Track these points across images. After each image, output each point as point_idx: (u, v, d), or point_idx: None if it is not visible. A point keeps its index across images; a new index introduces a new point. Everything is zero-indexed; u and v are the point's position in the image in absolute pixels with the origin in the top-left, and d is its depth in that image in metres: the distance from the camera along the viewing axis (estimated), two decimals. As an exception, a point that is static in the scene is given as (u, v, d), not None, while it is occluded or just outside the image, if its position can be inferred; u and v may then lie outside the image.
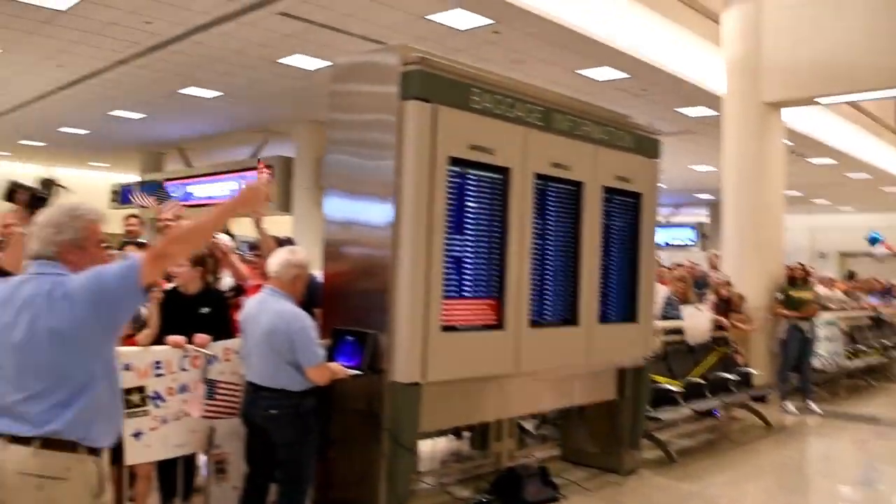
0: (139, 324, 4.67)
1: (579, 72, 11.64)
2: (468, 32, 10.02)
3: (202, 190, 18.50)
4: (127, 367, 4.26)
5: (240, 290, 5.22)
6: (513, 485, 5.40)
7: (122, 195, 21.85)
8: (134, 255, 2.70)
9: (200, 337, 4.54)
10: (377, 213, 4.53)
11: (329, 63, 11.41)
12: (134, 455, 4.36)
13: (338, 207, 4.85)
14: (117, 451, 4.26)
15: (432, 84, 4.50)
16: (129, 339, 4.50)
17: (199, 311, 4.77)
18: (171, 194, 7.48)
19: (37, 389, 2.49)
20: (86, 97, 14.76)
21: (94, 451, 2.57)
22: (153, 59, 11.97)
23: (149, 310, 4.61)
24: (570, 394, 5.75)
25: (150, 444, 4.41)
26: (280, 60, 11.74)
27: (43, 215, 2.71)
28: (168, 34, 10.76)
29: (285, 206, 16.38)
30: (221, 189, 17.80)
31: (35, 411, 2.48)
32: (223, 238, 6.22)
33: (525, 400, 5.42)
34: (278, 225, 15.49)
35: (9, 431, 2.48)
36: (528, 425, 6.89)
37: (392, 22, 9.75)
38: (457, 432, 6.46)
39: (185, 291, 4.79)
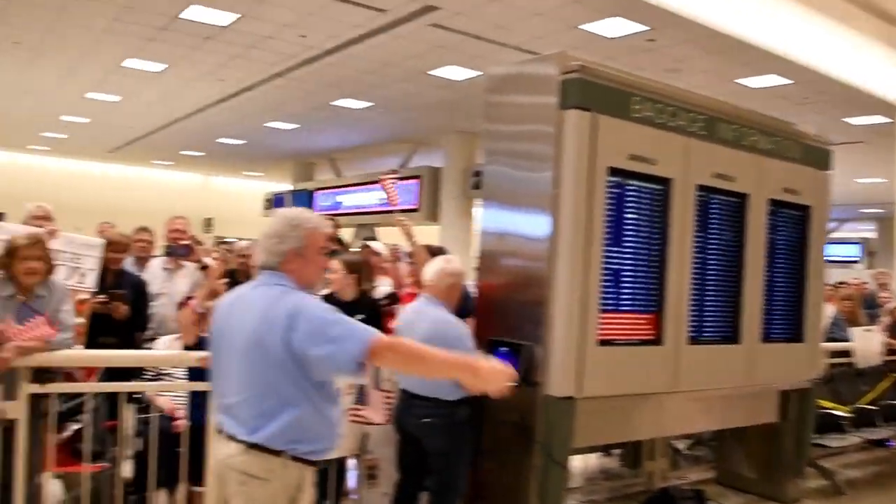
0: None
1: (738, 81, 11.23)
2: (622, 41, 9.84)
3: (351, 199, 18.94)
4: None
5: (394, 299, 5.25)
6: (666, 506, 5.21)
7: (274, 203, 22.67)
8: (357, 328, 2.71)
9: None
10: (534, 224, 4.45)
11: (479, 73, 11.50)
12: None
13: (494, 218, 4.80)
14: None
15: (592, 92, 4.40)
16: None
17: (355, 318, 4.82)
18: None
19: (248, 395, 2.65)
20: (243, 109, 15.41)
21: (300, 460, 2.66)
22: (307, 72, 12.37)
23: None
24: (728, 415, 5.48)
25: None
26: (431, 72, 11.88)
27: (267, 226, 2.80)
28: (322, 47, 11.08)
29: (433, 216, 16.55)
30: (370, 198, 18.15)
31: (245, 416, 2.65)
32: (377, 245, 6.32)
33: (682, 419, 5.20)
34: (426, 235, 15.70)
35: (227, 430, 2.69)
36: (681, 445, 6.65)
37: (544, 32, 9.68)
38: (606, 449, 6.30)
39: (340, 298, 4.86)
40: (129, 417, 4.68)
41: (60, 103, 16.14)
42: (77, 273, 4.99)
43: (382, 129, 16.52)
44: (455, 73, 11.88)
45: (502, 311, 4.71)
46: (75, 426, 4.63)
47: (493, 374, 2.65)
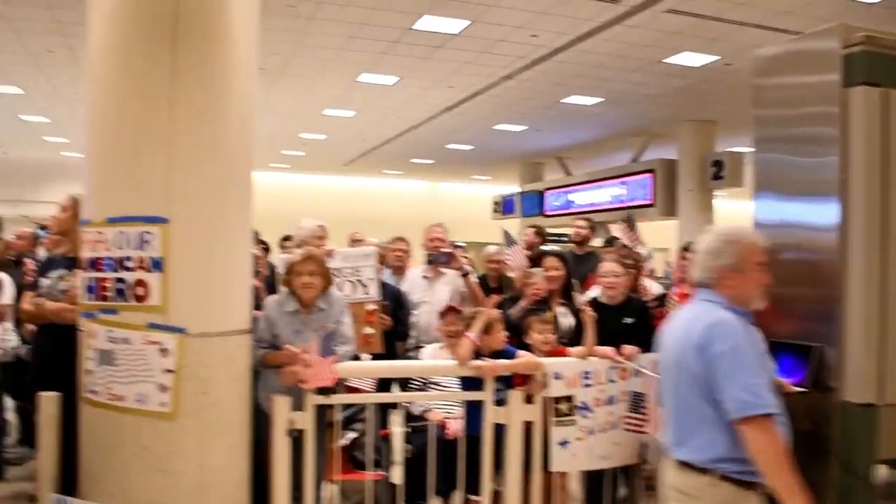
0: (568, 336, 4.68)
1: None
2: (880, 5, 8.98)
3: (583, 198, 18.69)
4: (557, 377, 4.28)
5: (663, 301, 5.03)
6: None
7: (503, 206, 22.83)
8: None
9: (628, 348, 4.43)
10: (820, 213, 4.06)
11: (717, 58, 10.95)
12: (559, 463, 4.36)
13: (769, 209, 4.44)
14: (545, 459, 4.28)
15: (881, 66, 3.95)
16: (558, 351, 4.51)
17: (623, 322, 4.66)
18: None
19: (674, 412, 2.76)
20: (472, 114, 15.60)
21: (731, 480, 2.64)
22: (537, 72, 12.31)
23: (584, 324, 4.55)
24: None
25: (576, 453, 4.38)
26: (665, 60, 11.44)
27: (702, 242, 2.84)
28: (553, 45, 10.96)
29: (670, 211, 15.97)
30: (602, 195, 17.84)
31: (674, 432, 2.77)
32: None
33: None
34: (662, 230, 15.22)
35: (665, 445, 2.88)
36: None
37: (790, 5, 9.01)
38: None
39: (608, 302, 4.70)
40: (397, 425, 4.77)
41: (300, 121, 17.10)
42: (360, 286, 5.13)
43: (612, 123, 16.16)
44: (691, 59, 11.36)
45: (783, 310, 4.35)
46: (351, 435, 4.78)
47: None
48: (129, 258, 3.51)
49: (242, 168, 3.83)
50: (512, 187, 23.85)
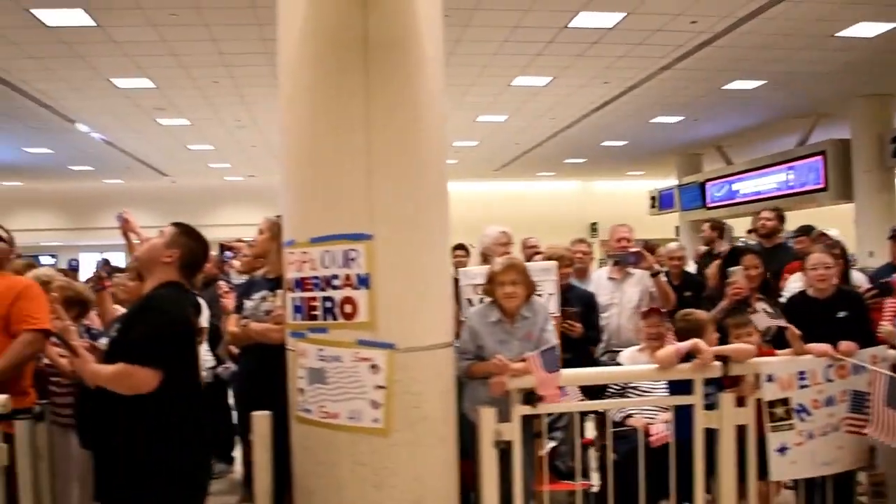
0: (771, 335, 4.44)
1: None
2: None
3: (747, 186, 17.91)
4: (770, 379, 4.05)
5: (885, 289, 4.68)
6: None
7: (660, 201, 22.24)
8: None
9: (846, 344, 4.12)
10: None
11: (893, 25, 10.23)
12: (779, 471, 4.12)
13: None
14: (763, 467, 4.06)
15: None
16: (766, 352, 4.28)
17: (836, 316, 4.36)
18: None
19: None
20: (627, 109, 15.24)
21: None
22: (696, 60, 11.85)
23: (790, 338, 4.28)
24: None
25: (796, 460, 4.13)
26: (838, 34, 10.76)
27: None
28: (713, 30, 10.51)
29: (845, 194, 15.03)
30: (768, 182, 17.05)
31: None
32: (832, 232, 5.77)
33: None
34: (837, 214, 14.37)
35: None
36: None
37: None
38: None
39: (817, 296, 4.42)
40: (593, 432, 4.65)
41: (453, 130, 17.14)
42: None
43: (776, 106, 15.37)
44: (865, 29, 10.61)
45: None
46: (552, 443, 4.68)
47: None
48: (335, 276, 3.55)
49: (438, 181, 3.83)
50: (667, 181, 23.21)
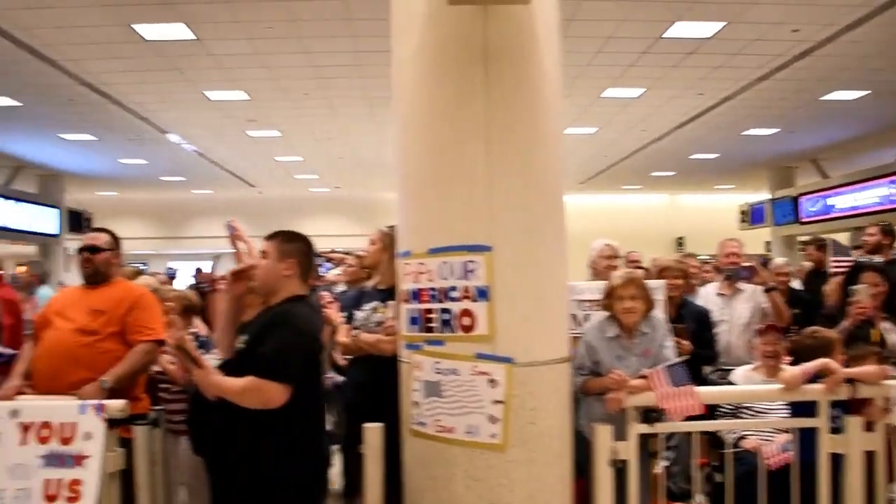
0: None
1: None
2: None
3: (844, 201, 17.31)
4: (902, 402, 3.84)
5: None
6: None
7: (751, 215, 21.67)
8: None
9: None
10: None
11: None
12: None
13: None
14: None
15: None
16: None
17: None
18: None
19: None
20: (719, 121, 14.92)
21: None
22: (795, 70, 11.52)
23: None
24: None
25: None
26: (949, 41, 10.33)
27: None
28: (815, 39, 10.21)
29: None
30: (867, 197, 16.44)
31: None
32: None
33: None
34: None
35: None
36: None
37: None
38: None
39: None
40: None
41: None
42: None
43: (877, 118, 14.82)
44: (980, 34, 10.16)
45: None
46: (664, 463, 4.53)
47: None
48: (453, 288, 3.48)
49: (556, 192, 3.74)
50: (758, 195, 22.62)
